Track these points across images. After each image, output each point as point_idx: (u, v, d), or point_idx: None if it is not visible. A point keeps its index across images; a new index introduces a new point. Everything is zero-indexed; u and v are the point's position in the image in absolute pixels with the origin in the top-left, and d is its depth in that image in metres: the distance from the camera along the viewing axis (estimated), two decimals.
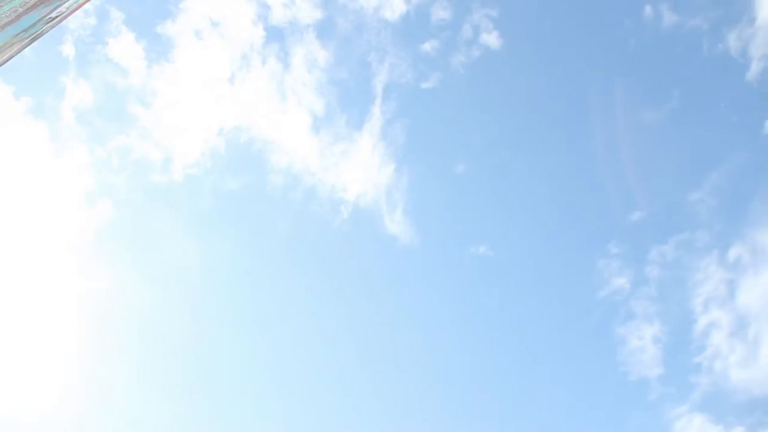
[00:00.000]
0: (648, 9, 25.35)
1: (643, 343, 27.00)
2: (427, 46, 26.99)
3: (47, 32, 8.63)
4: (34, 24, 7.00)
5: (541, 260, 29.62)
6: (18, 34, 6.90)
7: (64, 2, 7.00)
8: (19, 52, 8.21)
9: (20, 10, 5.44)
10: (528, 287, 29.93)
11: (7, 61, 8.25)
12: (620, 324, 27.39)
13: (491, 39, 26.36)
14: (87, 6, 11.37)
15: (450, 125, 29.22)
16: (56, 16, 7.73)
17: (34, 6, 5.75)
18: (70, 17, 9.40)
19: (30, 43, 8.31)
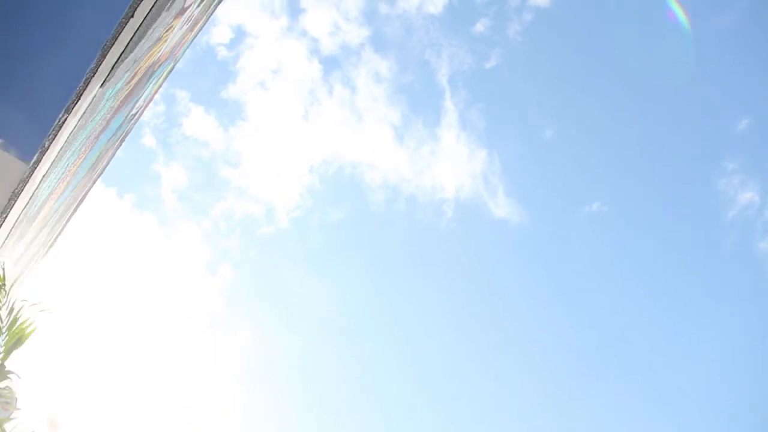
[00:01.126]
0: None
1: None
2: (479, 27, 26.68)
3: (131, 130, 9.04)
4: (120, 125, 7.29)
5: (658, 202, 28.35)
6: (110, 139, 7.23)
7: (140, 96, 7.26)
8: (113, 155, 8.64)
9: (108, 115, 5.65)
10: (653, 232, 28.69)
11: (106, 167, 8.69)
12: (760, 238, 25.76)
13: None
14: (155, 96, 11.84)
15: (523, 95, 28.68)
16: (136, 112, 8.07)
17: (119, 108, 5.97)
18: (145, 110, 9.80)
19: (120, 145, 8.72)
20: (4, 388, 5.46)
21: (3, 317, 5.69)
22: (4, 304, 5.52)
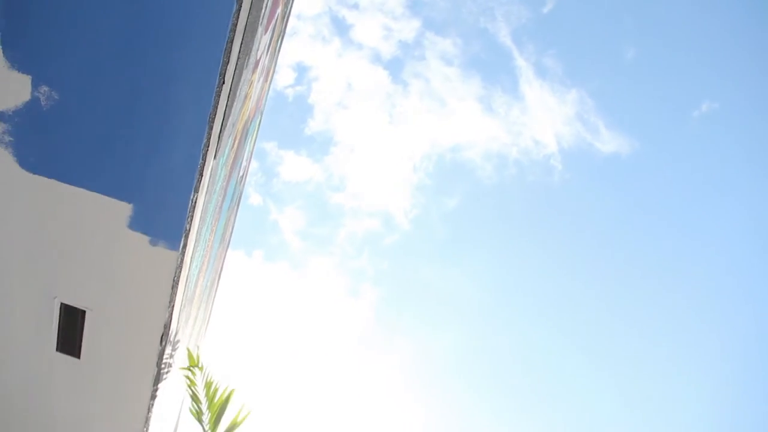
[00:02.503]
0: None
1: None
2: None
3: (243, 191, 9.39)
4: (234, 190, 7.56)
5: None
6: (230, 206, 7.52)
7: (243, 157, 7.50)
8: (235, 221, 9.01)
9: (224, 184, 5.86)
10: None
11: (231, 234, 9.07)
12: None
13: None
14: (253, 152, 12.23)
15: (591, 25, 27.70)
16: (243, 174, 8.37)
17: (230, 174, 6.18)
18: (249, 169, 10.15)
19: (237, 209, 9.08)
20: None
21: (201, 396, 5.98)
22: (202, 380, 5.81)
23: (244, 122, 6.20)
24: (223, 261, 9.04)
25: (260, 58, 6.04)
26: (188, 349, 5.93)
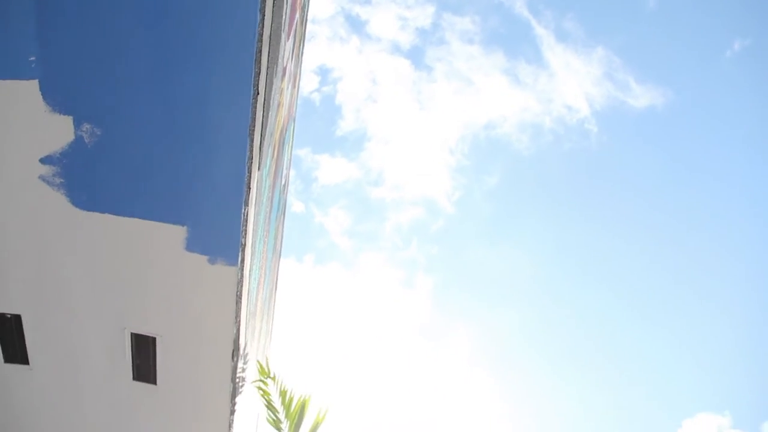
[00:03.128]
0: None
1: None
2: None
3: (286, 199, 9.46)
4: (279, 199, 7.60)
5: None
6: (277, 216, 7.57)
7: (283, 166, 7.53)
8: (283, 230, 9.07)
9: (270, 194, 5.88)
10: None
11: (282, 243, 9.15)
12: None
13: None
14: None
15: None
16: (284, 182, 8.43)
17: (274, 184, 6.21)
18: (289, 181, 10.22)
19: (284, 217, 9.15)
20: None
21: (277, 405, 6.03)
22: (275, 390, 5.85)
23: (280, 131, 6.23)
24: (278, 271, 9.10)
25: (287, 65, 6.06)
26: (258, 362, 5.99)
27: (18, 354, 5.57)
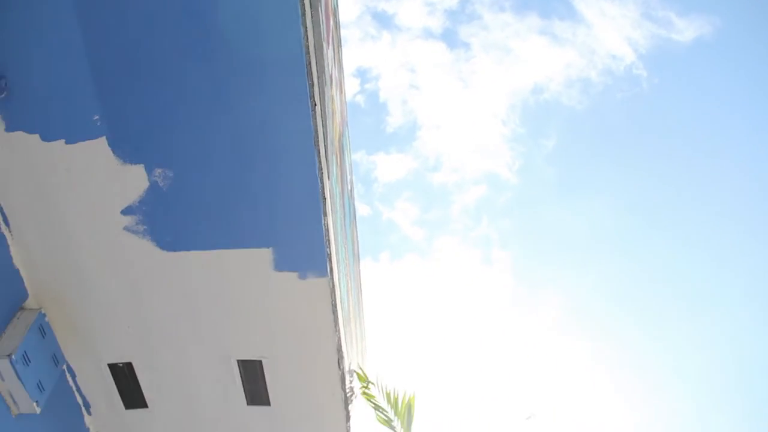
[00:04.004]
0: None
1: None
2: None
3: (354, 204, 9.54)
4: (348, 206, 7.66)
5: None
6: (350, 222, 7.64)
7: (346, 171, 7.59)
8: (357, 234, 9.16)
9: (341, 201, 5.93)
10: None
11: (358, 247, 9.23)
12: None
13: None
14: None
15: None
16: (350, 188, 8.50)
17: (342, 191, 6.26)
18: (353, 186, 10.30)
19: (355, 222, 9.23)
20: None
21: (384, 405, 6.09)
22: (379, 392, 5.92)
23: (338, 138, 6.27)
24: (360, 274, 9.18)
25: (332, 72, 6.10)
26: (357, 370, 6.07)
27: (136, 399, 5.79)
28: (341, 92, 8.03)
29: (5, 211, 4.76)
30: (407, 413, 6.28)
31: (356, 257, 8.83)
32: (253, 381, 5.45)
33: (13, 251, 4.93)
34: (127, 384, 5.72)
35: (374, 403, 6.25)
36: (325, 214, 4.42)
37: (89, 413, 5.85)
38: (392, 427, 6.34)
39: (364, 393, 6.14)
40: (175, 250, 4.76)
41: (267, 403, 5.60)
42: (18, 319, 5.02)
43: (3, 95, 4.01)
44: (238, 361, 5.30)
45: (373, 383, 6.03)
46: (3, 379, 4.70)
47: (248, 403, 5.63)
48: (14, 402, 4.78)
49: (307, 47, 3.90)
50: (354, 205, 9.12)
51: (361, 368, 6.25)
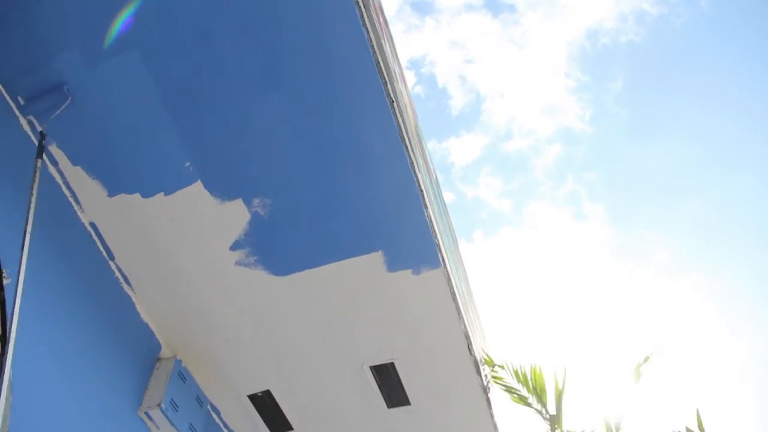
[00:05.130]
0: None
1: None
2: None
3: (441, 192, 9.51)
4: (438, 193, 7.61)
5: None
6: (443, 209, 7.59)
7: (428, 160, 7.53)
8: (450, 220, 9.12)
9: (432, 189, 5.90)
10: None
11: (454, 231, 9.20)
12: None
13: None
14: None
15: None
16: (435, 177, 8.48)
17: (431, 181, 6.22)
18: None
19: (446, 208, 9.21)
20: None
21: (515, 385, 6.00)
22: (507, 373, 5.84)
23: (415, 130, 6.25)
24: (462, 259, 9.13)
25: (393, 67, 6.08)
26: (483, 350, 6.02)
27: (281, 424, 5.95)
28: (405, 86, 8.00)
29: (124, 272, 4.97)
30: (540, 387, 6.18)
31: (456, 243, 8.78)
32: (389, 383, 5.49)
33: (140, 308, 5.15)
34: (270, 411, 5.87)
35: (505, 385, 6.18)
36: (426, 206, 4.40)
37: None
38: (529, 404, 6.25)
39: (494, 377, 6.08)
40: (288, 274, 4.85)
41: (407, 402, 5.63)
42: (158, 369, 5.24)
43: (67, 102, 4.15)
44: (370, 367, 5.35)
45: (501, 366, 5.97)
46: (158, 428, 4.91)
47: (389, 407, 5.68)
48: None
49: (372, 46, 3.90)
50: (441, 193, 9.08)
51: (485, 353, 6.21)
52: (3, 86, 4.13)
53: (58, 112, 4.07)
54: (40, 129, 4.16)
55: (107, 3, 3.75)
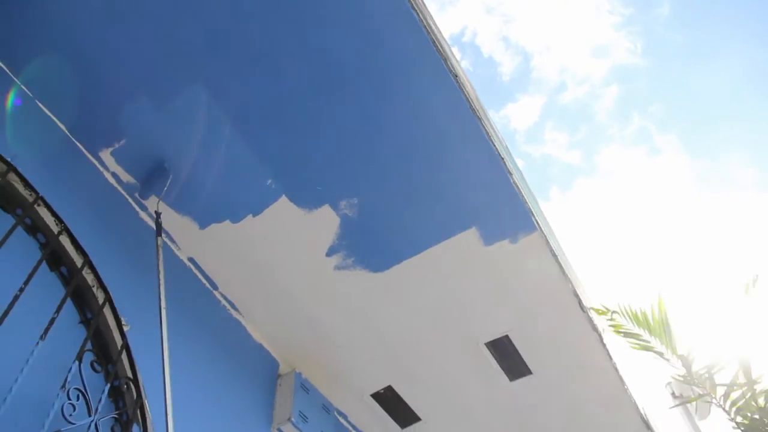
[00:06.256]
0: None
1: None
2: None
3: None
4: (513, 161, 7.51)
5: None
6: (519, 177, 7.51)
7: (496, 132, 7.45)
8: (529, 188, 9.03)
9: (508, 158, 5.83)
10: None
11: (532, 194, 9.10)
12: None
13: None
14: None
15: None
16: (505, 146, 8.39)
17: (504, 148, 6.16)
18: None
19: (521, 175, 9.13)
20: None
21: (636, 330, 5.82)
22: (625, 320, 5.68)
23: (477, 102, 6.19)
24: (546, 219, 8.99)
25: (443, 45, 6.04)
26: (592, 308, 5.90)
27: (409, 416, 6.01)
28: (458, 61, 7.94)
29: (230, 298, 5.11)
30: (662, 326, 5.94)
31: (537, 204, 8.68)
32: (508, 357, 5.46)
33: (250, 330, 5.29)
34: (395, 406, 5.94)
35: (624, 332, 5.98)
36: (510, 172, 4.36)
37: None
38: (650, 348, 6.04)
39: (611, 325, 5.91)
40: (388, 268, 4.89)
41: (528, 372, 5.59)
42: (281, 386, 5.36)
43: (169, 179, 4.31)
44: (486, 344, 5.34)
45: (616, 312, 5.78)
46: None
47: (511, 380, 5.65)
48: None
49: (425, 26, 3.90)
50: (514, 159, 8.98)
51: (596, 305, 6.07)
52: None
53: (165, 189, 4.27)
54: (155, 209, 4.33)
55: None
